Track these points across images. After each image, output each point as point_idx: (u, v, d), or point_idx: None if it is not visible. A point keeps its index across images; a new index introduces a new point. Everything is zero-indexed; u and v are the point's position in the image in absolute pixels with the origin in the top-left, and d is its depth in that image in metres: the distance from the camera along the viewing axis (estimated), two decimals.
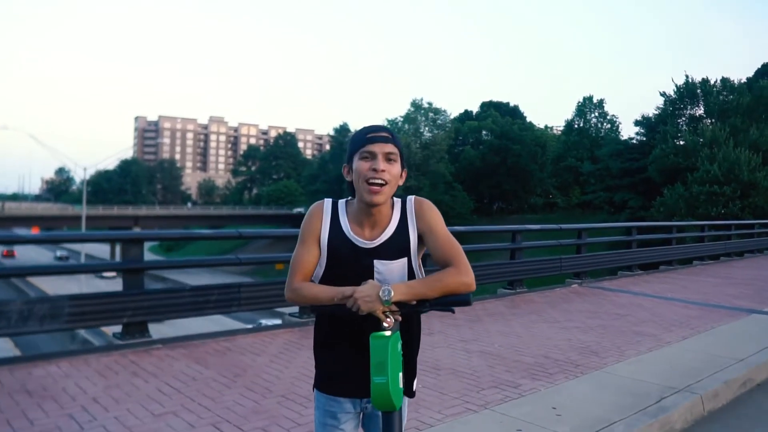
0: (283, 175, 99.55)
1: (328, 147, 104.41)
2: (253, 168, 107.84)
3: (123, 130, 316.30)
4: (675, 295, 9.10)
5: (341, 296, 1.67)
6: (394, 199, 1.85)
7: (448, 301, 1.70)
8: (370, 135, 1.76)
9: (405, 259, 1.81)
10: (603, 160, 54.00)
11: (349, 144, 1.82)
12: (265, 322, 26.39)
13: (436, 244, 1.79)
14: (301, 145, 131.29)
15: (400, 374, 1.65)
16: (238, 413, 3.67)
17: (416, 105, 67.11)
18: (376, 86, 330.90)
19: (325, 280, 1.82)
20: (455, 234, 1.87)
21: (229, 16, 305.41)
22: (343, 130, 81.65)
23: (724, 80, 47.59)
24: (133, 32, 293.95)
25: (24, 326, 4.82)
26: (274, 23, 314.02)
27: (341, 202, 1.88)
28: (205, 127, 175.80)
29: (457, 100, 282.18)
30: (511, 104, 78.62)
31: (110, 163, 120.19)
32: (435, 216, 1.83)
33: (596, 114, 64.97)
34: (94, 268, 7.47)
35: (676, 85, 49.13)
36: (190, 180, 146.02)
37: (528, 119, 76.70)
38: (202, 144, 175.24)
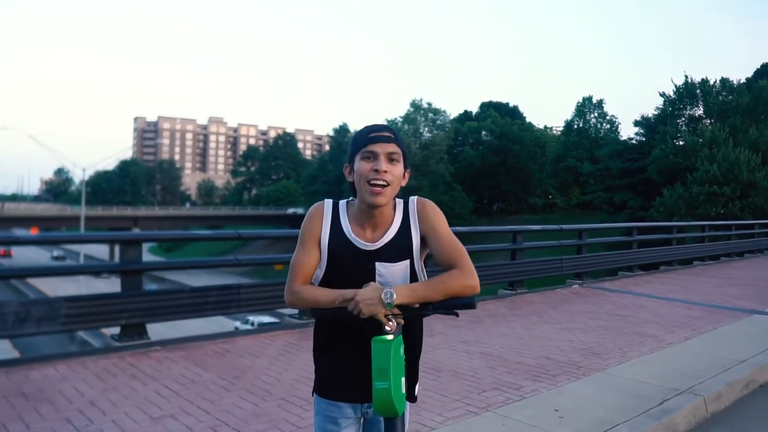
0: (282, 175, 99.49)
1: (327, 147, 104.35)
2: (252, 168, 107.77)
3: (122, 130, 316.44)
4: (676, 296, 9.07)
5: (342, 299, 1.63)
6: (396, 199, 1.81)
7: (452, 305, 1.65)
8: (372, 134, 1.71)
9: (407, 262, 1.77)
10: (603, 161, 53.99)
11: (351, 143, 1.78)
12: (253, 318, 26.50)
13: (439, 246, 1.75)
14: (300, 145, 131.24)
15: (403, 379, 1.61)
16: (237, 416, 3.63)
17: (416, 105, 67.10)
18: (376, 86, 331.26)
19: (325, 282, 1.78)
20: (456, 235, 1.83)
21: (228, 16, 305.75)
22: (342, 130, 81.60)
23: (724, 80, 47.60)
24: (133, 32, 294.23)
25: (21, 328, 4.78)
26: (274, 23, 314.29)
27: (342, 203, 1.84)
28: (205, 127, 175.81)
29: (456, 101, 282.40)
30: (511, 105, 78.62)
31: (109, 164, 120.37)
32: (438, 217, 1.79)
33: (596, 114, 64.96)
34: (92, 269, 7.43)
35: (676, 86, 49.18)
36: (190, 180, 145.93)
37: (527, 120, 76.71)
38: (201, 144, 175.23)
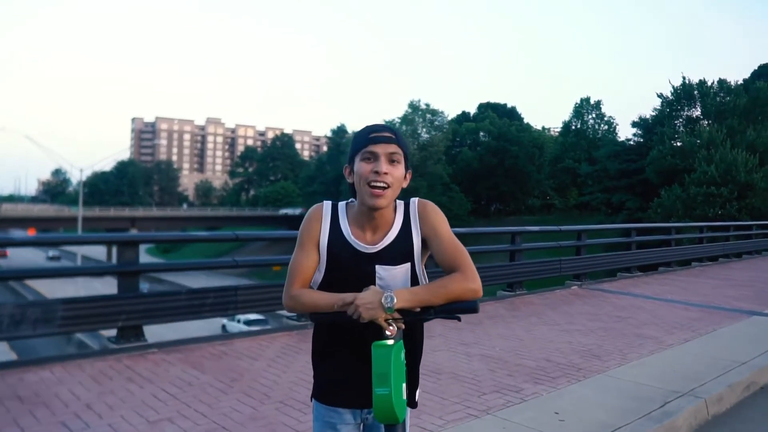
0: (280, 176, 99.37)
1: (325, 148, 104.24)
2: (250, 169, 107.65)
3: (120, 131, 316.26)
4: (675, 297, 9.05)
5: (342, 303, 1.60)
6: (397, 201, 1.77)
7: (454, 309, 1.62)
8: (372, 135, 1.67)
9: (408, 264, 1.73)
10: (600, 162, 54.01)
11: (351, 144, 1.75)
12: (240, 316, 26.58)
13: (440, 248, 1.72)
14: (298, 146, 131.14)
15: (404, 385, 1.57)
16: (235, 420, 3.59)
17: (413, 106, 67.10)
18: (375, 87, 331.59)
19: (324, 286, 1.74)
20: (456, 236, 1.80)
21: (227, 16, 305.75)
22: (340, 131, 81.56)
23: (721, 81, 47.70)
24: (131, 32, 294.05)
25: (17, 330, 4.73)
26: (274, 23, 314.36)
27: (341, 205, 1.81)
28: (202, 128, 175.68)
29: (456, 101, 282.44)
30: (509, 105, 78.66)
31: (107, 165, 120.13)
32: (439, 219, 1.76)
33: (593, 115, 65.01)
34: (89, 270, 7.38)
35: (673, 87, 49.23)
36: (187, 181, 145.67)
37: (525, 120, 76.75)
38: (199, 145, 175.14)
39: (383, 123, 1.76)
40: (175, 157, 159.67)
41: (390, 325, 1.58)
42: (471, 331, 6.18)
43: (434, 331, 6.06)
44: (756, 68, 55.60)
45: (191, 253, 73.29)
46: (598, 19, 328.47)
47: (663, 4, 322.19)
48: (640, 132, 52.93)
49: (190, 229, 69.29)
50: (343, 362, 1.75)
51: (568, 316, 7.33)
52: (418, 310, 1.62)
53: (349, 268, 1.72)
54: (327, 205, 1.80)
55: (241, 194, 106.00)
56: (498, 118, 70.93)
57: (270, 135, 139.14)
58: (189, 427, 3.46)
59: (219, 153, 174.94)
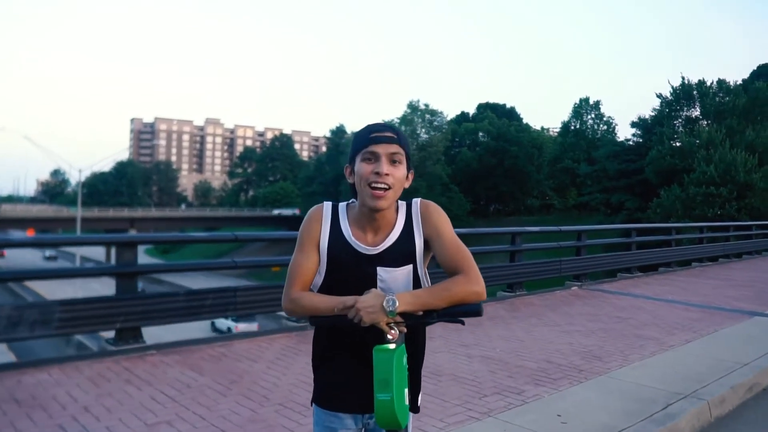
0: (279, 176, 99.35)
1: (324, 149, 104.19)
2: (249, 170, 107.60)
3: (119, 131, 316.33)
4: (675, 298, 9.02)
5: (342, 306, 1.56)
6: (399, 201, 1.74)
7: (457, 312, 1.58)
8: (373, 135, 1.64)
9: (410, 266, 1.70)
10: (600, 162, 53.98)
11: (351, 143, 1.71)
12: (228, 323, 26.66)
13: (443, 250, 1.68)
14: (297, 146, 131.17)
15: (406, 390, 1.54)
16: (234, 422, 3.56)
17: (413, 106, 67.06)
18: (375, 87, 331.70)
19: (324, 288, 1.71)
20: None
21: (226, 16, 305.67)
22: (339, 131, 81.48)
23: (720, 82, 47.68)
24: (130, 33, 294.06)
25: (14, 332, 4.70)
26: (273, 23, 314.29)
27: (342, 206, 1.77)
28: (201, 128, 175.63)
29: (456, 101, 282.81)
30: (508, 106, 78.65)
31: (106, 165, 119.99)
32: (442, 220, 1.72)
33: (592, 115, 65.01)
34: (87, 272, 7.35)
35: (673, 87, 49.21)
36: (186, 182, 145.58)
37: (524, 121, 76.74)
38: (198, 146, 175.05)
39: (384, 122, 1.72)
40: (174, 158, 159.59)
41: (392, 329, 1.54)
42: (471, 333, 6.15)
43: (434, 332, 6.02)
44: (755, 68, 55.62)
45: (190, 254, 73.24)
46: (598, 19, 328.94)
47: (663, 4, 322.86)
48: (639, 132, 52.90)
49: (189, 230, 69.23)
50: (344, 366, 1.71)
51: (569, 316, 7.30)
52: (421, 313, 1.59)
53: (349, 270, 1.68)
54: (327, 205, 1.76)
55: (240, 195, 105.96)
56: (497, 119, 70.92)
57: (269, 135, 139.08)
58: (187, 430, 3.42)
59: (218, 153, 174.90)
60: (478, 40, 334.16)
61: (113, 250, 5.83)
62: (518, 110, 79.05)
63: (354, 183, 1.68)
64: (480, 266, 1.67)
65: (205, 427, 3.47)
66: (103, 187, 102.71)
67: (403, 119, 66.13)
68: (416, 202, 1.76)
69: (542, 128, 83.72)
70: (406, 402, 1.54)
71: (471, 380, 4.50)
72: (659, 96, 50.09)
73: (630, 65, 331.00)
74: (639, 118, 52.72)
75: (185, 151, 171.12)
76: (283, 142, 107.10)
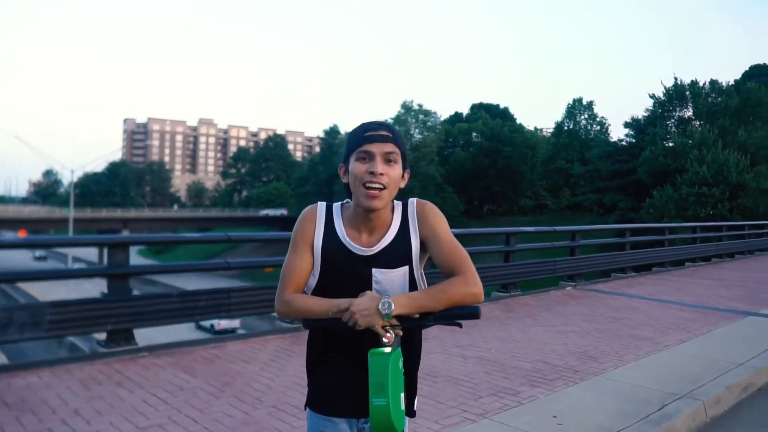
0: (272, 177, 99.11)
1: (318, 149, 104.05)
2: (242, 170, 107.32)
3: (112, 131, 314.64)
4: (669, 297, 9.03)
5: (337, 309, 1.52)
6: (395, 202, 1.71)
7: (455, 314, 1.54)
8: (367, 133, 1.60)
9: (406, 268, 1.66)
10: (593, 162, 54.16)
11: (346, 142, 1.67)
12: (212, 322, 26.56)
13: (440, 251, 1.65)
14: (291, 147, 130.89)
15: (402, 394, 1.50)
16: (227, 425, 3.52)
17: (406, 107, 67.07)
18: (373, 87, 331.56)
19: (318, 290, 1.67)
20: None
21: (221, 17, 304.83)
22: (333, 131, 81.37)
23: (713, 82, 47.94)
24: (125, 33, 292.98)
25: (4, 334, 4.64)
26: (268, 24, 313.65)
27: (336, 206, 1.73)
28: (195, 129, 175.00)
29: (453, 102, 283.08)
30: (501, 106, 78.75)
31: (98, 165, 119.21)
32: (439, 220, 1.69)
33: (586, 116, 65.23)
34: (79, 273, 7.28)
35: (665, 87, 49.47)
36: (180, 182, 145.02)
37: (518, 121, 76.84)
38: (191, 146, 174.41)
39: (379, 120, 1.68)
40: (167, 158, 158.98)
41: (387, 332, 1.51)
42: (466, 333, 6.12)
43: (429, 333, 5.99)
44: (747, 69, 55.95)
45: (183, 255, 72.97)
46: (597, 19, 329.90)
47: (662, 4, 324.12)
48: (632, 132, 53.15)
49: (182, 230, 69.02)
50: (339, 369, 1.68)
51: (563, 317, 7.29)
52: (417, 316, 1.55)
53: (344, 271, 1.65)
54: (321, 205, 1.73)
55: (233, 195, 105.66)
56: (491, 119, 70.98)
57: (263, 136, 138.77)
58: None
59: (211, 154, 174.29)
60: (478, 41, 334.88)
61: (105, 252, 5.76)
62: (513, 111, 79.49)
63: (348, 183, 1.64)
64: (475, 266, 1.64)
65: (198, 430, 3.43)
66: (96, 188, 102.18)
67: (397, 119, 66.09)
68: (412, 202, 1.72)
69: (536, 128, 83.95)
70: (402, 406, 1.50)
71: (466, 381, 4.48)
72: (652, 96, 50.36)
73: (629, 65, 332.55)
74: (632, 119, 52.98)
75: (178, 152, 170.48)
76: (277, 142, 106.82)
